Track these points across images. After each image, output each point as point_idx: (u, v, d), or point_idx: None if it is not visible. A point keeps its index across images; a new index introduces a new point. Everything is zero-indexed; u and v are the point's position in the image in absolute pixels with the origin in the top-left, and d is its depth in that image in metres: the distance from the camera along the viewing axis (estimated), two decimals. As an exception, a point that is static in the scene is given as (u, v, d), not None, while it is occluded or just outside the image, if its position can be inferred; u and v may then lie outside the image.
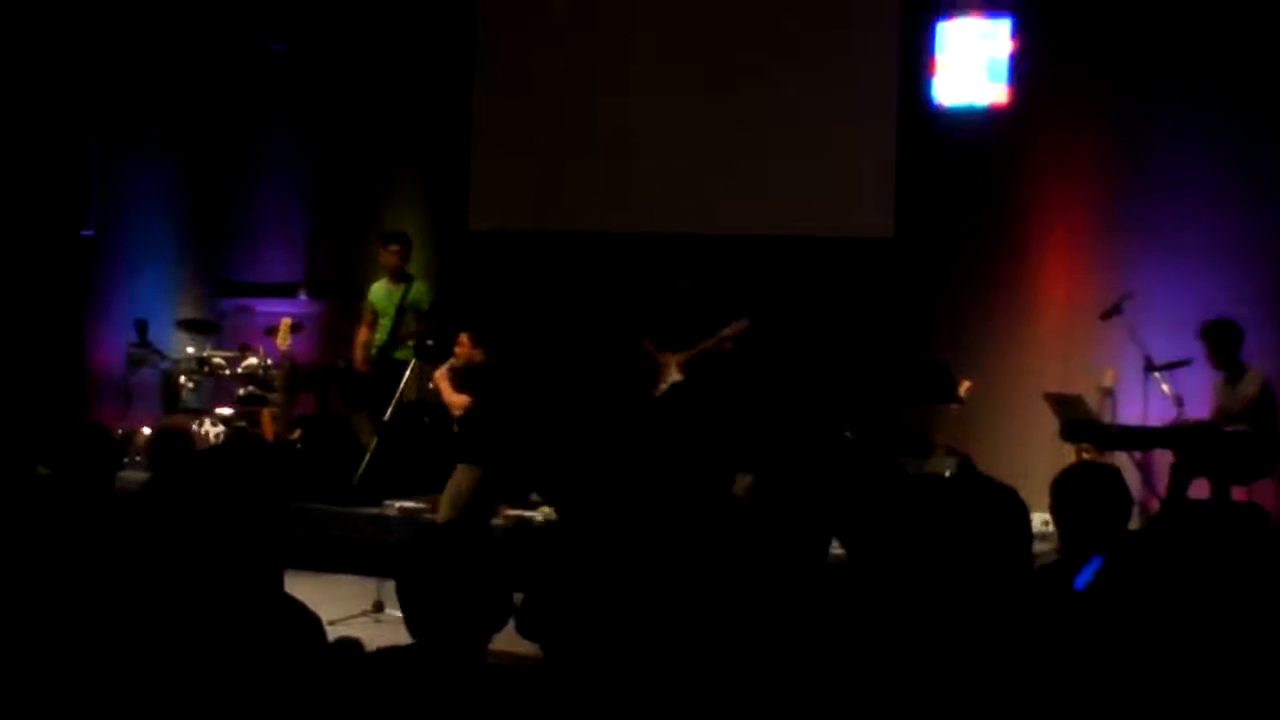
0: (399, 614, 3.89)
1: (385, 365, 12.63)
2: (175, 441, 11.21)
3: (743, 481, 10.58)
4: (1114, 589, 4.04)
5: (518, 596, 3.94)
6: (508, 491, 10.61)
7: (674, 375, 11.94)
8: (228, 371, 13.74)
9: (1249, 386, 10.65)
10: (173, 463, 5.91)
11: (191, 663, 3.86)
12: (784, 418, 12.37)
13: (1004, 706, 3.50)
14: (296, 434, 12.44)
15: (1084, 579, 4.54)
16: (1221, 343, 10.76)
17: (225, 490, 4.13)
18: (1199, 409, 11.03)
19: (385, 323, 12.80)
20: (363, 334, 12.95)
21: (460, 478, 10.24)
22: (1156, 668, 3.69)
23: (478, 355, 10.87)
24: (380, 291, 12.90)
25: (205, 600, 3.97)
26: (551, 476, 11.88)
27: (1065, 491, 5.08)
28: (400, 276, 12.86)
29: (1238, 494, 10.52)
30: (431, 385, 11.91)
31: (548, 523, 10.97)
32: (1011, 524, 3.85)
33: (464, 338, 11.69)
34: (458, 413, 11.11)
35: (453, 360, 11.79)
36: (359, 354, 12.97)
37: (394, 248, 12.89)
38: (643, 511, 4.77)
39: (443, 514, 10.18)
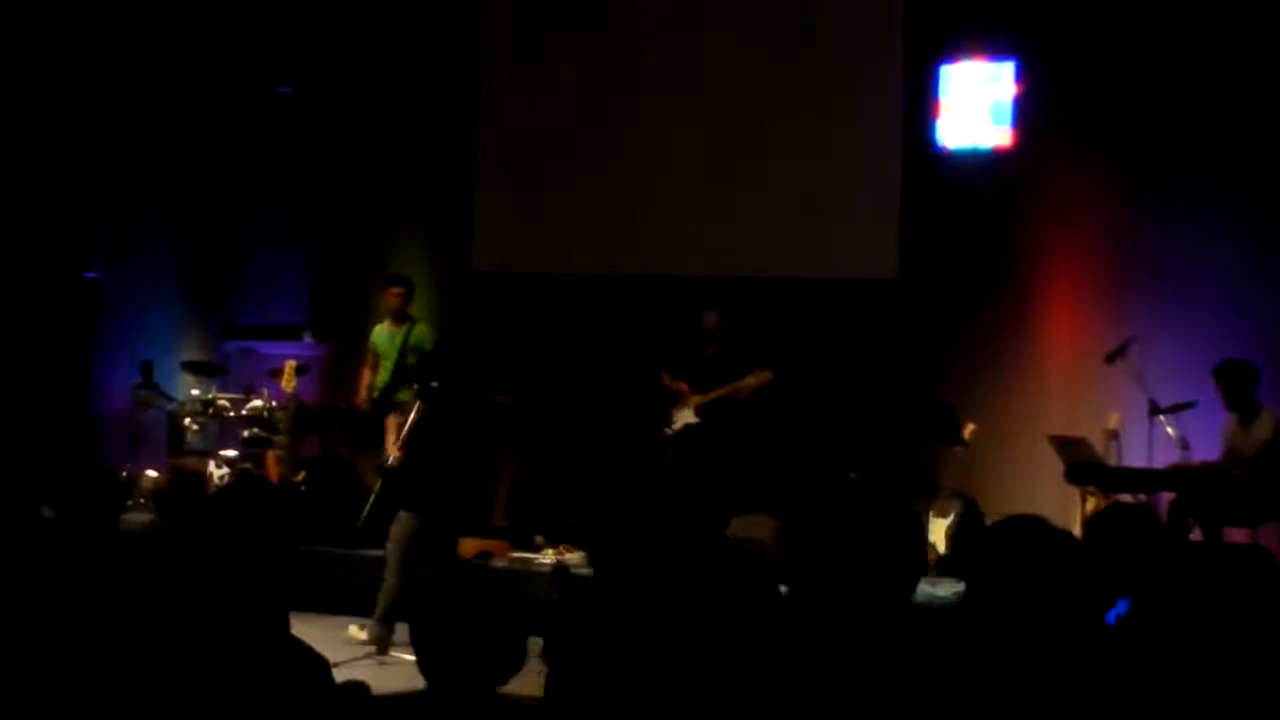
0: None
1: (387, 407, 12.62)
2: (190, 484, 11.22)
3: (760, 522, 10.59)
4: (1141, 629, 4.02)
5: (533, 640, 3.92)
6: (449, 535, 10.63)
7: (689, 416, 11.90)
8: (232, 413, 13.75)
9: (1263, 430, 10.54)
10: (187, 505, 5.92)
11: (199, 705, 3.85)
12: (788, 460, 12.37)
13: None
14: (301, 476, 12.44)
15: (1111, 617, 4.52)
16: (1235, 383, 10.66)
17: (234, 532, 4.13)
18: (1203, 452, 10.99)
19: (387, 365, 12.77)
20: (365, 376, 12.93)
21: (401, 522, 10.24)
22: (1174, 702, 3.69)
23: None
24: (382, 334, 12.89)
25: (212, 642, 3.97)
26: (562, 517, 11.90)
27: (1101, 531, 5.06)
28: (402, 319, 12.84)
29: (1244, 537, 10.48)
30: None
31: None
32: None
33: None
34: (390, 464, 11.22)
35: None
36: (362, 396, 12.96)
37: (396, 290, 12.86)
38: (649, 550, 4.75)
39: (389, 558, 10.12)
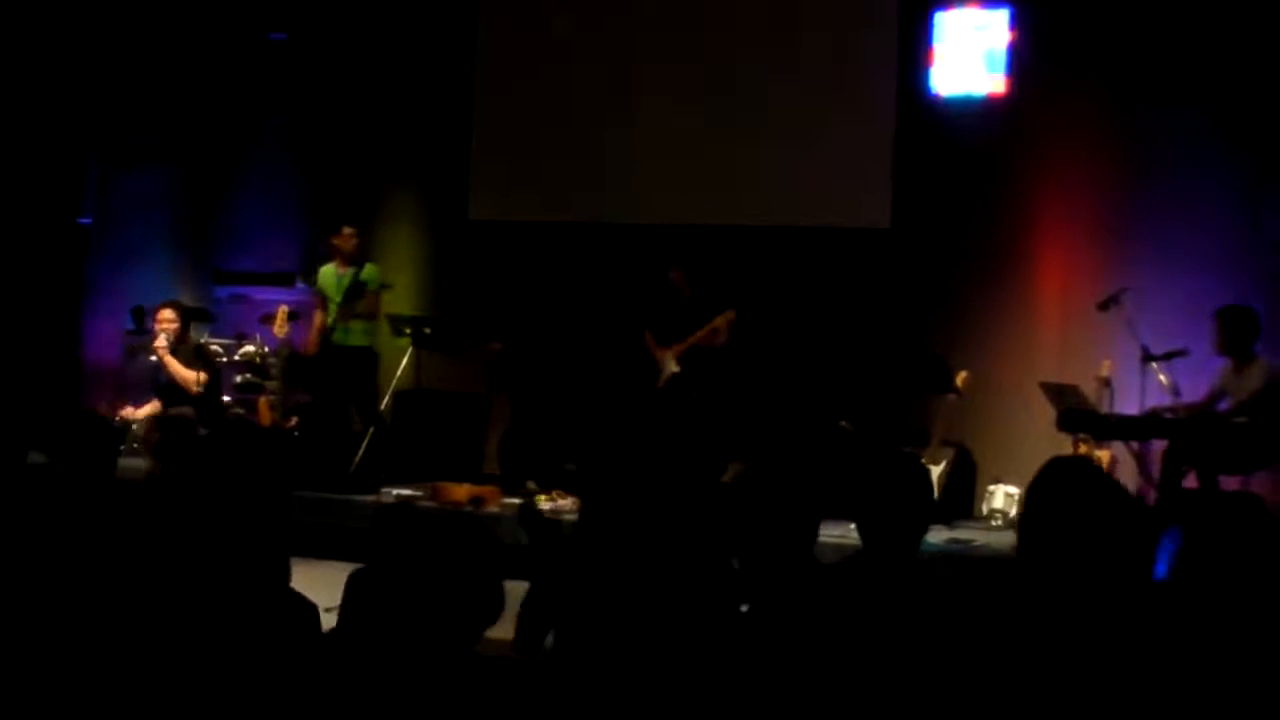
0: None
1: (328, 350, 12.42)
2: (181, 429, 11.21)
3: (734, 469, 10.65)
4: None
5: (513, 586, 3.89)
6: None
7: (672, 368, 11.97)
8: (225, 359, 13.72)
9: (1255, 379, 10.49)
10: (179, 449, 5.93)
11: (190, 650, 3.85)
12: (780, 408, 12.40)
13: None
14: (293, 421, 12.43)
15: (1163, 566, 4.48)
16: (1236, 327, 10.59)
17: (227, 477, 4.12)
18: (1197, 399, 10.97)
19: (333, 307, 12.53)
20: (317, 319, 12.69)
21: None
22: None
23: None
24: (328, 274, 12.58)
25: (206, 587, 3.97)
26: (555, 463, 11.94)
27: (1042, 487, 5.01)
28: (352, 260, 12.57)
29: (1235, 484, 10.50)
30: (154, 357, 11.94)
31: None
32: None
33: (167, 314, 11.79)
34: (196, 389, 11.29)
35: (166, 337, 11.80)
36: (312, 339, 12.72)
37: (350, 230, 12.59)
38: (643, 503, 4.76)
39: None
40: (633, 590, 4.44)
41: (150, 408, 11.83)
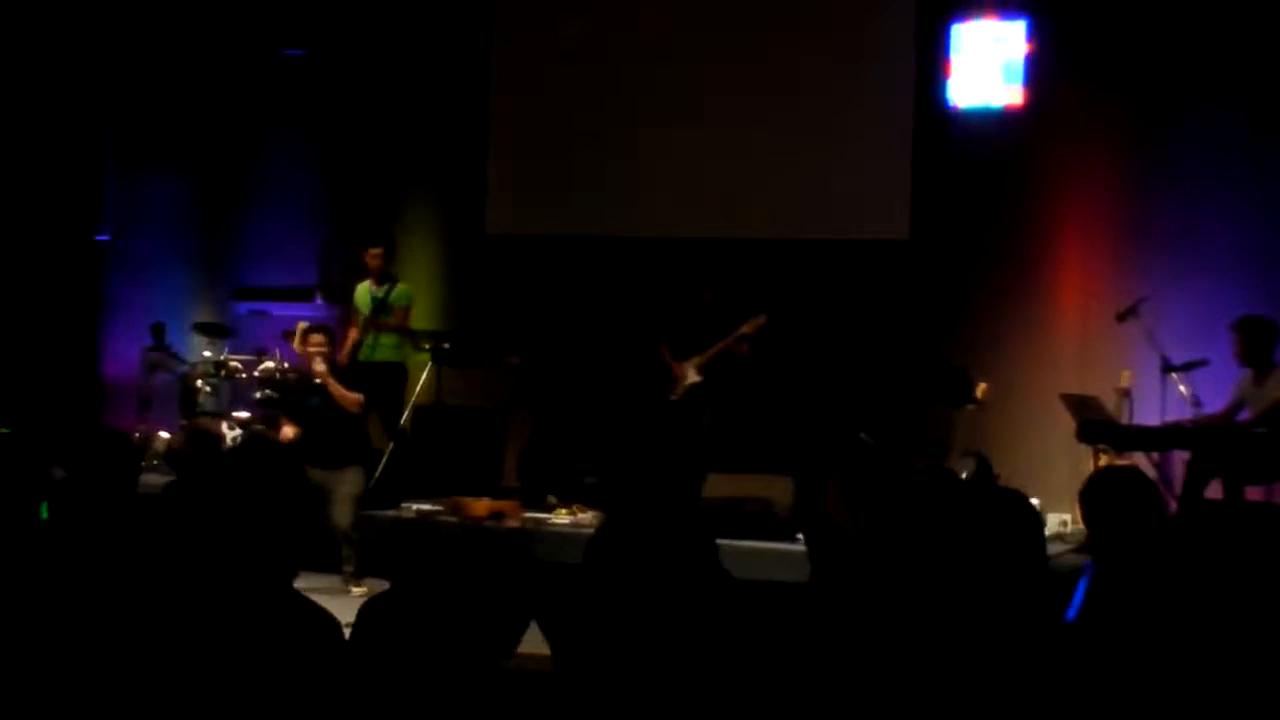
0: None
1: (357, 367, 12.44)
2: (206, 443, 11.19)
3: (772, 481, 10.70)
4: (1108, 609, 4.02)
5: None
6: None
7: (693, 378, 11.93)
8: (244, 375, 13.74)
9: (1275, 388, 10.49)
10: (202, 463, 5.94)
11: (209, 664, 3.85)
12: (800, 420, 12.39)
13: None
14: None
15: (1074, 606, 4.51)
16: (1255, 338, 10.58)
17: (247, 491, 4.12)
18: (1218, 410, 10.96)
19: (364, 323, 12.58)
20: (351, 335, 12.74)
21: (353, 481, 10.83)
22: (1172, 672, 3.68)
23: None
24: (363, 293, 12.69)
25: (223, 601, 3.97)
26: (575, 477, 11.95)
27: (1095, 497, 5.02)
28: (384, 279, 12.67)
29: (1256, 494, 10.48)
30: (318, 380, 11.78)
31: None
32: (1024, 528, 3.81)
33: (319, 337, 11.62)
34: (357, 410, 11.22)
35: (323, 360, 11.70)
36: (342, 356, 12.75)
37: (375, 251, 12.67)
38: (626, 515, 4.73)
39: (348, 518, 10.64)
40: (636, 606, 4.41)
41: (289, 430, 11.67)
